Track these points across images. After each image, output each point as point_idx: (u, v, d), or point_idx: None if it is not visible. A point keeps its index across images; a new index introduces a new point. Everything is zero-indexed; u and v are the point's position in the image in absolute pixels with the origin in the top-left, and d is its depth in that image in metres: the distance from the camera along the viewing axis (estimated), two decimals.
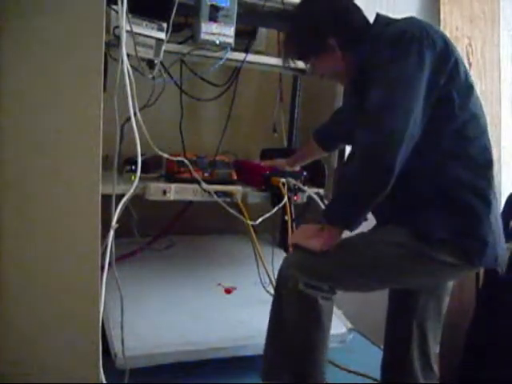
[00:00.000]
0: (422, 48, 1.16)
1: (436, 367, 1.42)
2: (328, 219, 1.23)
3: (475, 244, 1.19)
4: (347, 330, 1.74)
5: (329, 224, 1.23)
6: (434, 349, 1.41)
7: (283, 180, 1.75)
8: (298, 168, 1.84)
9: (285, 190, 1.73)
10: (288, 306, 1.24)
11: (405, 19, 1.27)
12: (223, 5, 1.58)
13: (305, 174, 1.82)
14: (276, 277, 1.31)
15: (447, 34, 1.26)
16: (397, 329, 1.42)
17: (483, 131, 1.26)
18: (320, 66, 1.36)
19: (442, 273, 1.27)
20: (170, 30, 1.49)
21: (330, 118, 1.73)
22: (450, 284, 1.41)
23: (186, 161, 1.66)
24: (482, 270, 1.74)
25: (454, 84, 1.20)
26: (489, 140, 1.27)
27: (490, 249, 1.20)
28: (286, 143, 2.14)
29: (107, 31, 1.34)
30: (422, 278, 1.29)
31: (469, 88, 1.24)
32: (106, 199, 1.23)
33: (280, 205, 1.73)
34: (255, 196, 1.78)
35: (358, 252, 1.25)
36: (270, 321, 1.30)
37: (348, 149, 1.95)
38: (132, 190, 1.31)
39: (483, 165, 1.24)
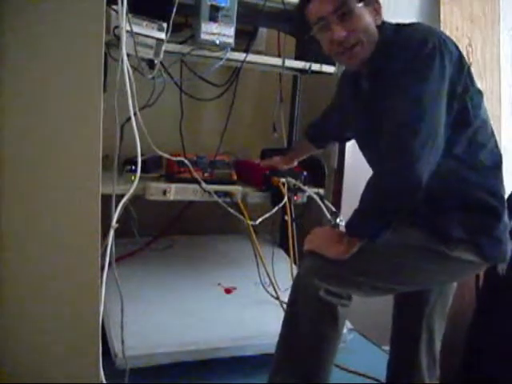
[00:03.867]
0: (443, 59, 1.14)
1: (438, 366, 1.43)
2: (351, 231, 1.21)
3: (491, 242, 1.22)
4: (347, 330, 1.74)
5: (352, 236, 1.21)
6: (438, 348, 1.43)
7: (283, 180, 1.75)
8: (295, 164, 1.84)
9: (285, 190, 1.74)
10: (305, 312, 1.24)
11: (415, 25, 1.25)
12: (223, 5, 1.58)
13: (305, 173, 1.82)
14: (293, 283, 1.30)
15: (447, 34, 1.26)
16: (406, 330, 1.43)
17: (491, 135, 1.28)
18: (359, 16, 1.21)
19: (458, 271, 1.29)
20: (169, 30, 1.49)
21: (320, 116, 1.72)
22: (455, 283, 1.43)
23: (185, 161, 1.66)
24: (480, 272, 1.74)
25: (468, 93, 1.21)
26: (496, 142, 1.29)
27: (503, 246, 1.23)
28: (285, 143, 2.13)
29: (107, 31, 1.34)
30: (440, 278, 1.30)
31: (479, 95, 1.25)
32: (106, 199, 1.23)
33: (280, 205, 1.73)
34: (255, 196, 1.78)
35: (378, 257, 1.24)
36: (283, 326, 1.29)
37: (348, 149, 1.96)
38: (132, 190, 1.31)
39: (493, 167, 1.26)
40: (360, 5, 1.21)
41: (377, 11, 1.25)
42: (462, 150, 1.21)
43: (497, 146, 1.28)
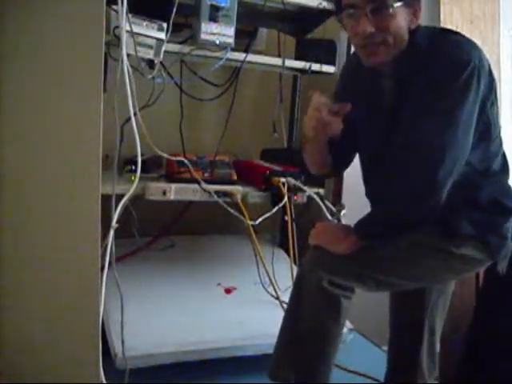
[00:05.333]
0: (479, 80, 1.12)
1: (437, 364, 1.43)
2: (360, 234, 1.23)
3: (498, 239, 1.23)
4: (347, 330, 1.74)
5: (359, 238, 1.22)
6: (438, 345, 1.43)
7: (283, 180, 1.75)
8: None
9: (285, 190, 1.73)
10: (309, 302, 1.24)
11: (454, 36, 1.20)
12: (223, 5, 1.57)
13: (305, 173, 1.82)
14: (296, 273, 1.31)
15: None
16: (408, 327, 1.43)
17: (501, 143, 1.28)
18: (393, 16, 1.13)
19: (464, 269, 1.29)
20: (170, 30, 1.49)
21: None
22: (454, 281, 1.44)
23: (185, 161, 1.66)
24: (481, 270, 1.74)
25: (493, 109, 1.21)
26: (503, 148, 1.29)
27: (507, 243, 1.24)
28: (285, 143, 2.14)
29: (107, 31, 1.34)
30: (446, 275, 1.31)
31: (498, 108, 1.25)
32: (106, 199, 1.23)
33: (280, 205, 1.73)
34: (255, 196, 1.78)
35: (384, 252, 1.24)
36: (285, 318, 1.30)
37: None
38: (132, 190, 1.31)
39: (503, 172, 1.28)
40: (398, 4, 1.13)
41: (415, 14, 1.17)
42: (477, 159, 1.21)
43: (504, 153, 1.29)
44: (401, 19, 1.14)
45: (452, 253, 1.22)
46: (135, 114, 1.30)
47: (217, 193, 1.68)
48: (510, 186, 1.28)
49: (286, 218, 1.74)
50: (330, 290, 1.21)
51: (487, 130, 1.21)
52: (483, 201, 1.23)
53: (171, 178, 1.69)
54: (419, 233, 1.22)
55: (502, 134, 1.29)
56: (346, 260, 1.22)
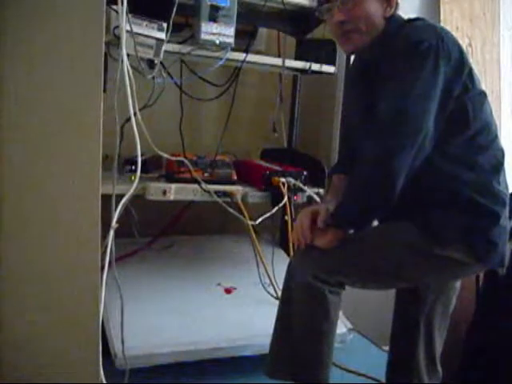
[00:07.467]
0: (437, 60, 1.14)
1: (439, 366, 1.43)
2: (335, 222, 1.23)
3: (485, 244, 1.20)
4: (347, 330, 1.74)
5: (336, 227, 1.23)
6: (439, 348, 1.42)
7: (283, 180, 1.75)
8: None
9: (285, 190, 1.73)
10: (297, 298, 1.26)
11: (419, 22, 1.26)
12: (223, 5, 1.58)
13: (305, 173, 1.82)
14: (286, 271, 1.32)
15: None
16: (404, 328, 1.43)
17: (494, 137, 1.26)
18: (361, 4, 1.23)
19: (450, 271, 1.28)
20: (169, 30, 1.49)
21: (341, 148, 1.66)
22: (458, 284, 1.42)
23: (185, 161, 1.66)
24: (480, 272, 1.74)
25: (468, 94, 1.20)
26: (499, 144, 1.27)
27: (499, 249, 1.21)
28: (285, 143, 2.14)
29: (107, 31, 1.34)
30: (429, 276, 1.30)
31: (481, 96, 1.24)
32: (106, 199, 1.23)
33: (280, 205, 1.73)
34: (255, 196, 1.78)
35: (366, 249, 1.25)
36: (278, 314, 1.31)
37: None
38: (132, 190, 1.31)
39: (494, 170, 1.24)
40: None
41: (389, 3, 1.25)
42: (460, 150, 1.20)
43: (499, 149, 1.26)
44: (371, 7, 1.23)
45: (436, 255, 1.20)
46: (135, 114, 1.30)
47: (217, 193, 1.68)
48: (500, 186, 1.24)
49: (286, 217, 1.74)
50: (315, 285, 1.22)
51: (463, 117, 1.20)
52: (469, 200, 1.19)
53: (171, 178, 1.69)
54: (404, 230, 1.22)
55: (503, 133, 1.28)
56: (329, 254, 1.23)
